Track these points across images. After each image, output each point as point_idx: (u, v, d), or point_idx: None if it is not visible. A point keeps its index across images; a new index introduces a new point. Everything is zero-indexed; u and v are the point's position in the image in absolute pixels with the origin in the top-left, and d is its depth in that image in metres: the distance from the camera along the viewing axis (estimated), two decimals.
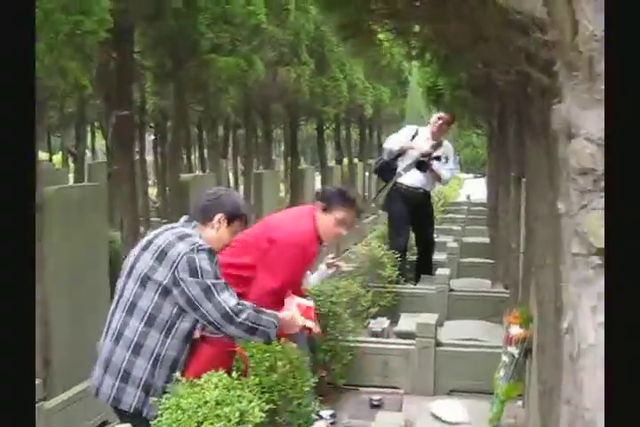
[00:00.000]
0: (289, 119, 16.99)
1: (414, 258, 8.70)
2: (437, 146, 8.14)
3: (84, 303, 4.91)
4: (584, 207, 1.47)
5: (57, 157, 25.41)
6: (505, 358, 4.44)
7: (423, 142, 8.09)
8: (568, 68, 1.47)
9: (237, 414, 2.84)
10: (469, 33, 3.73)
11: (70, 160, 19.54)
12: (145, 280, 3.19)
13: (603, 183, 1.44)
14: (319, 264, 5.35)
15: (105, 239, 5.50)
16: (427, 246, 8.63)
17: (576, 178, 1.46)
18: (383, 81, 19.39)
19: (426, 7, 3.97)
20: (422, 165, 8.03)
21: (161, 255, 3.18)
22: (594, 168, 1.43)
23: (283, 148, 27.17)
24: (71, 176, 16.39)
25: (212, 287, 3.12)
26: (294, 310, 3.75)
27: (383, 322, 6.68)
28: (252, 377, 3.30)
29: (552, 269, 3.36)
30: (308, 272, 5.15)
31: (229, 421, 2.81)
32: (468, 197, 18.80)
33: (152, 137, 20.21)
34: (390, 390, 5.53)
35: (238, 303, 3.16)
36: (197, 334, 3.30)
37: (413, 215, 8.21)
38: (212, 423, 2.79)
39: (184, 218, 3.44)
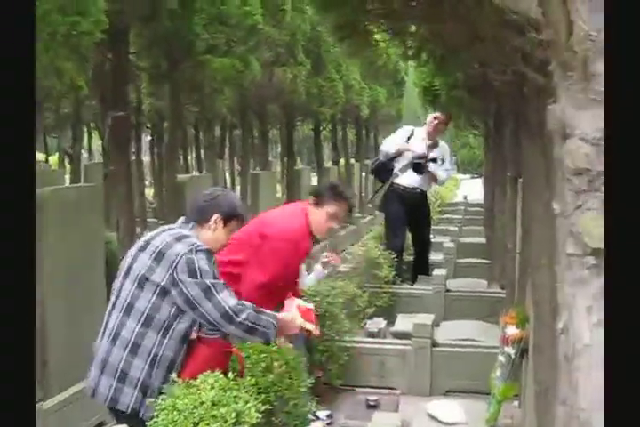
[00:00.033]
0: (285, 120, 17.00)
1: (411, 258, 8.70)
2: (433, 146, 8.14)
3: (80, 304, 4.90)
4: (579, 207, 1.46)
5: (53, 158, 25.36)
6: (501, 359, 4.45)
7: (419, 143, 8.09)
8: (563, 68, 1.47)
9: (233, 414, 2.84)
10: (465, 33, 3.73)
11: (67, 161, 19.52)
12: (142, 281, 3.18)
13: (598, 183, 1.44)
14: (315, 265, 5.35)
15: (101, 240, 5.50)
16: (423, 247, 8.63)
17: (571, 178, 1.46)
18: (379, 81, 19.40)
19: (422, 7, 3.97)
20: (418, 167, 8.02)
21: (159, 256, 3.18)
22: (589, 168, 1.43)
23: (279, 148, 27.21)
24: (67, 177, 16.37)
25: (212, 287, 3.13)
26: (294, 312, 3.76)
27: (380, 322, 6.69)
28: (249, 378, 3.29)
29: (548, 270, 3.35)
30: (305, 273, 5.15)
31: (225, 422, 2.80)
32: (465, 198, 18.83)
33: (149, 138, 20.19)
34: (387, 391, 5.53)
35: (238, 303, 3.17)
36: (194, 335, 3.30)
37: (410, 216, 8.21)
38: (208, 424, 2.78)
39: (181, 219, 3.44)
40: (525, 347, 4.19)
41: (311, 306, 4.02)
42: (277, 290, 4.16)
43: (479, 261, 9.58)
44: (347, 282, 6.42)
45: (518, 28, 2.58)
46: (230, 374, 3.09)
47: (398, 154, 8.09)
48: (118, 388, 3.15)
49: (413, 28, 4.68)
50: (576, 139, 1.45)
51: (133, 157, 13.23)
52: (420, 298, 7.47)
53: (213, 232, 3.37)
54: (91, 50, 6.65)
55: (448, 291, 7.50)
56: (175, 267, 3.13)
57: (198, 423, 2.80)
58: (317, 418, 4.75)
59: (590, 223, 1.45)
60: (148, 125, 18.00)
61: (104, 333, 3.26)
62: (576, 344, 1.49)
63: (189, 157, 21.73)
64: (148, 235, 3.40)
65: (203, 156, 20.75)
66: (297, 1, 11.53)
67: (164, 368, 3.15)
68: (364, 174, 18.60)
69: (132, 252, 3.34)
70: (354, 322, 5.98)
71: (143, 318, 3.15)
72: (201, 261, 3.14)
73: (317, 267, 5.23)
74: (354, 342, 5.67)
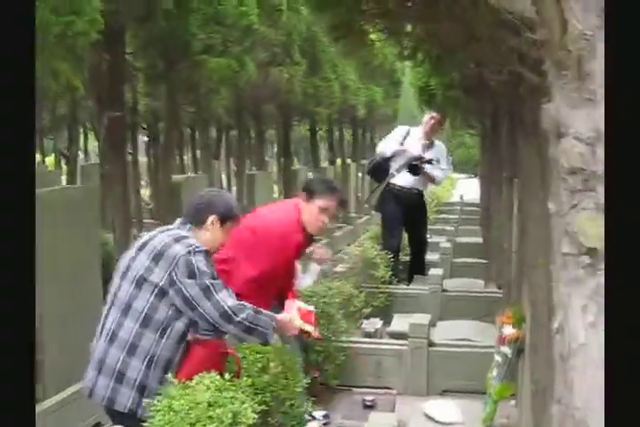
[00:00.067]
0: (281, 120, 17.00)
1: (407, 258, 8.69)
2: (430, 146, 8.14)
3: (76, 304, 4.89)
4: (574, 207, 1.46)
5: (49, 159, 25.33)
6: (498, 358, 4.45)
7: (415, 143, 8.08)
8: (557, 68, 1.47)
9: (230, 415, 2.83)
10: (461, 33, 3.73)
11: (63, 162, 19.49)
12: (141, 281, 3.19)
13: (593, 183, 1.43)
14: (310, 264, 5.34)
15: (97, 241, 5.49)
16: (419, 247, 8.62)
17: (566, 177, 1.46)
18: (376, 81, 19.43)
19: (417, 7, 3.97)
20: (415, 168, 8.02)
21: (157, 257, 3.19)
22: (583, 168, 1.43)
23: (275, 149, 27.17)
24: (64, 178, 16.35)
25: (211, 287, 3.15)
26: (294, 313, 3.78)
27: (376, 322, 6.68)
28: (245, 378, 3.29)
29: (545, 269, 3.35)
30: (300, 273, 5.14)
31: (222, 422, 2.80)
32: (461, 198, 18.81)
33: (145, 138, 20.17)
34: (383, 391, 5.52)
35: (237, 303, 3.20)
36: (190, 336, 3.29)
37: (406, 216, 8.20)
38: (204, 425, 2.78)
39: (179, 220, 3.45)
40: (522, 347, 4.19)
41: (312, 308, 4.03)
42: (269, 284, 4.15)
43: (475, 260, 9.57)
44: (343, 282, 6.41)
45: (514, 27, 2.58)
46: (226, 375, 3.09)
47: (395, 155, 8.08)
48: (115, 388, 3.16)
49: (409, 28, 4.68)
50: (570, 138, 1.45)
51: (130, 158, 13.22)
52: (417, 298, 7.46)
53: (211, 233, 3.38)
54: (86, 50, 6.64)
55: (444, 291, 7.49)
56: (174, 268, 3.14)
57: (194, 424, 2.79)
58: (314, 418, 4.75)
59: (585, 223, 1.45)
60: (144, 126, 18.00)
61: (101, 333, 3.26)
62: (571, 343, 1.49)
63: (185, 158, 21.73)
64: (146, 235, 3.41)
65: (199, 156, 20.73)
66: (293, 1, 11.53)
67: (160, 369, 3.16)
68: (360, 174, 18.61)
69: (130, 252, 3.35)
70: (350, 322, 5.98)
71: (141, 319, 3.16)
72: (199, 263, 3.16)
73: (313, 266, 5.22)
74: (350, 342, 5.66)
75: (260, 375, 3.60)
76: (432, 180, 8.34)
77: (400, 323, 6.51)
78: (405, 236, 8.63)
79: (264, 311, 3.33)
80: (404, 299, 7.49)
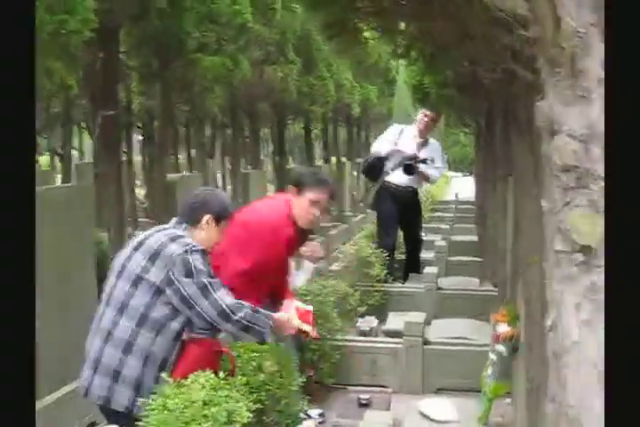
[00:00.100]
0: (276, 119, 16.99)
1: (402, 257, 8.69)
2: (424, 144, 8.14)
3: (70, 303, 4.88)
4: (567, 204, 1.46)
5: (44, 159, 25.28)
6: (493, 357, 4.45)
7: (410, 141, 8.08)
8: (550, 65, 1.47)
9: (225, 414, 2.83)
10: (455, 31, 3.73)
11: (57, 161, 19.46)
12: (137, 280, 3.19)
13: (586, 180, 1.43)
14: (303, 262, 5.33)
15: (91, 240, 5.48)
16: (415, 245, 8.62)
17: (559, 175, 1.46)
18: (370, 80, 19.43)
19: (411, 5, 3.96)
20: (409, 168, 8.01)
21: (154, 256, 3.19)
22: (576, 165, 1.43)
23: (270, 147, 27.18)
24: (59, 177, 16.32)
25: (209, 285, 3.17)
26: (292, 313, 3.78)
27: (371, 321, 6.68)
28: (240, 377, 3.28)
29: (539, 267, 3.35)
30: (294, 271, 5.13)
31: (216, 421, 2.79)
32: (456, 196, 18.81)
33: (139, 137, 20.15)
34: (378, 389, 5.53)
35: (235, 302, 3.21)
36: (185, 335, 3.29)
37: (402, 214, 8.19)
38: (199, 424, 2.77)
39: (174, 219, 3.45)
40: (517, 345, 4.19)
41: (310, 308, 4.02)
42: (260, 279, 4.13)
43: (471, 259, 9.57)
44: (338, 281, 6.42)
45: (508, 25, 2.58)
46: (221, 374, 3.08)
47: (389, 155, 8.07)
48: (112, 387, 3.15)
49: (403, 26, 4.67)
50: (564, 135, 1.45)
51: (124, 157, 13.20)
52: (412, 296, 7.45)
53: (206, 233, 3.38)
54: (80, 49, 6.62)
55: (439, 289, 7.50)
56: (171, 267, 3.15)
57: (189, 423, 2.78)
58: (309, 417, 4.75)
59: (579, 220, 1.44)
60: (139, 125, 17.97)
61: (96, 332, 3.25)
62: (565, 341, 1.48)
63: (180, 157, 21.70)
64: (142, 235, 3.41)
65: (193, 155, 20.71)
66: None
67: (156, 367, 3.15)
68: (355, 173, 18.61)
69: (125, 251, 3.35)
70: (345, 321, 5.97)
71: (138, 317, 3.16)
72: (196, 261, 3.17)
73: (306, 263, 5.21)
74: (345, 340, 5.66)
75: (255, 374, 3.59)
76: (427, 179, 8.33)
77: (395, 321, 6.51)
78: (400, 234, 8.63)
79: (262, 310, 3.34)
80: (400, 297, 7.49)
